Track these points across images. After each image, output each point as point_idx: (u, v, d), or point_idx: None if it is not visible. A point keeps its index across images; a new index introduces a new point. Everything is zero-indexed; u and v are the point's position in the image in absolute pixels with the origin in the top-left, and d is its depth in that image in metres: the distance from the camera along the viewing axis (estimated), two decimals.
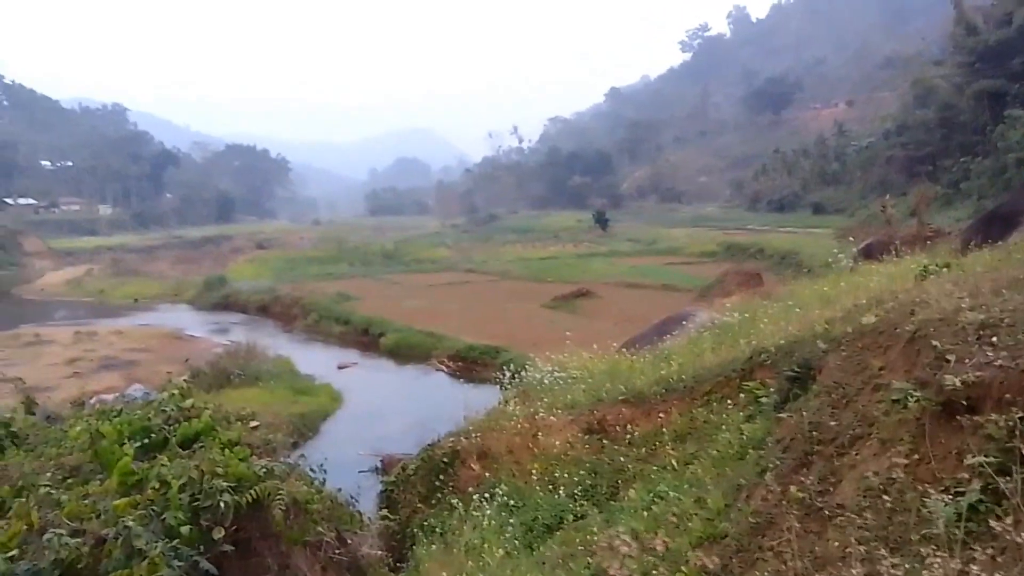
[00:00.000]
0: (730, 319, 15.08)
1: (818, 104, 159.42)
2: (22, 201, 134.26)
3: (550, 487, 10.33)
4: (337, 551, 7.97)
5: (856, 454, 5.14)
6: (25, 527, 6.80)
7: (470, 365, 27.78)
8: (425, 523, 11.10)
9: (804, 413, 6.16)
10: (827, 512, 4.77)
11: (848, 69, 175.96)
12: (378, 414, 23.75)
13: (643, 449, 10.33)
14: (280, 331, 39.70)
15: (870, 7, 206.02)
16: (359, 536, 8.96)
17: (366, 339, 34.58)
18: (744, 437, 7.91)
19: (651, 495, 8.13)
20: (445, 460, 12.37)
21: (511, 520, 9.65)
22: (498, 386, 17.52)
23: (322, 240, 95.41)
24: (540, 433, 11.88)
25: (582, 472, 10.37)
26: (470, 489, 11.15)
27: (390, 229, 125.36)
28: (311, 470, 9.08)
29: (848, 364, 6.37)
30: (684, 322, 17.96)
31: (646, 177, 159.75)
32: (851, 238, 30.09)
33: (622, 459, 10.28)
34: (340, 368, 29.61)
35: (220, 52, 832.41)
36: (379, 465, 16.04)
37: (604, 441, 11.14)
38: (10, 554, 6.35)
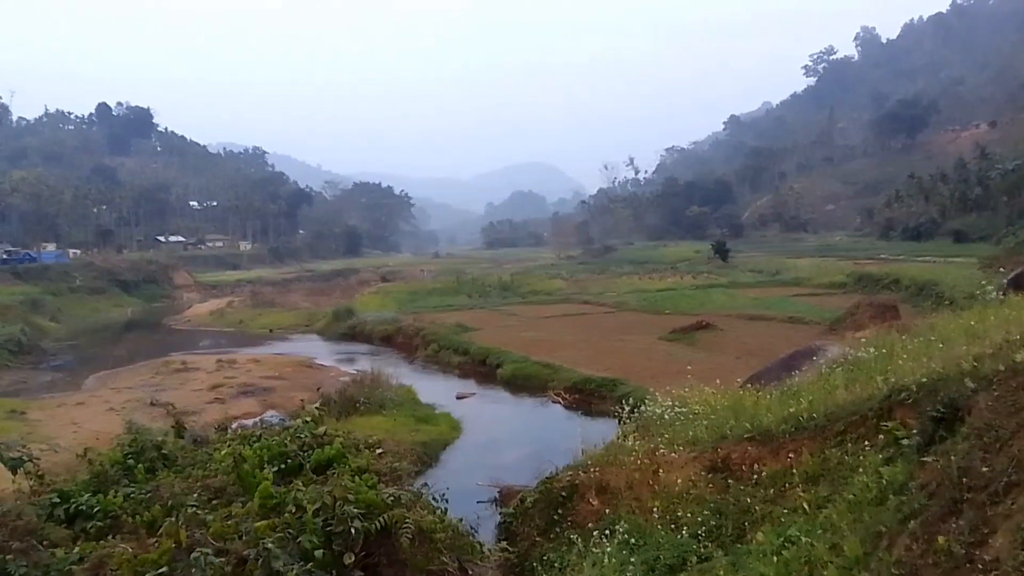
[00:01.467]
0: (864, 354, 14.28)
1: (956, 126, 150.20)
2: (173, 239, 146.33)
3: (672, 526, 10.07)
4: None
5: (1012, 503, 4.76)
6: (174, 545, 7.33)
7: (586, 397, 27.56)
8: (544, 557, 11.05)
9: (952, 457, 5.77)
10: (979, 565, 4.43)
11: (989, 89, 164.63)
12: (495, 444, 23.94)
13: (771, 490, 9.90)
14: (402, 360, 40.84)
15: (1010, 25, 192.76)
16: (479, 567, 9.07)
17: (484, 369, 35.04)
18: (883, 481, 7.46)
19: (781, 539, 7.79)
20: (564, 494, 12.31)
21: (632, 559, 9.47)
22: (616, 420, 17.29)
23: (442, 272, 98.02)
24: (661, 470, 11.63)
25: (706, 512, 10.06)
26: (589, 524, 11.04)
27: (506, 261, 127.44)
28: (433, 499, 9.31)
29: (1001, 405, 5.92)
30: (813, 357, 17.13)
31: (768, 206, 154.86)
32: (1000, 268, 27.85)
33: (748, 500, 9.90)
34: (459, 398, 30.11)
35: (348, 95, 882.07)
36: (497, 496, 16.12)
37: (729, 480, 10.77)
38: (160, 571, 6.84)
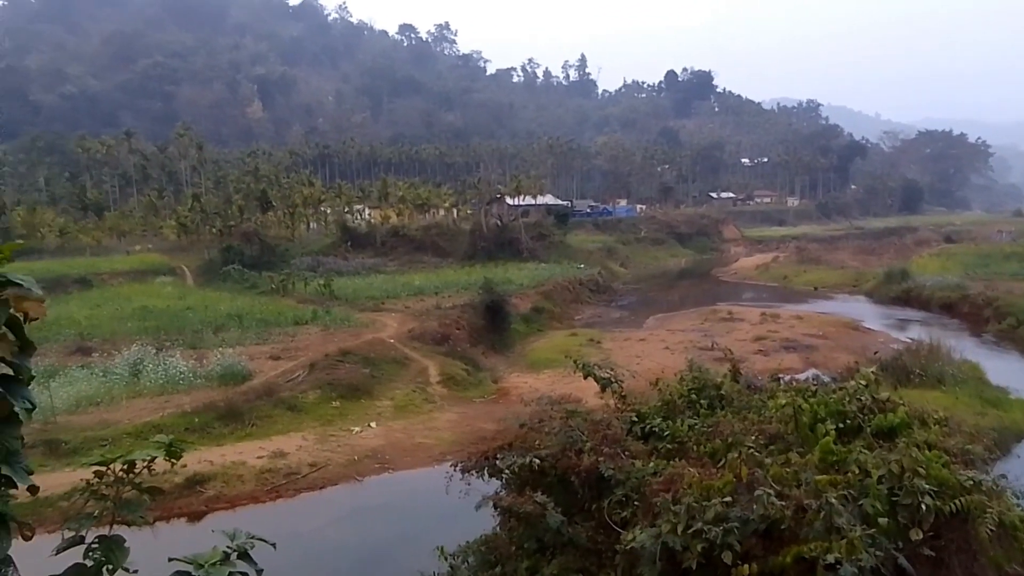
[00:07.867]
0: None
1: None
2: (724, 195, 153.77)
3: None
4: None
5: None
6: (734, 478, 7.92)
7: None
8: None
9: None
10: None
11: None
12: None
13: None
14: (965, 333, 35.97)
15: None
16: None
17: None
18: None
19: None
20: None
21: None
22: None
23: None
24: None
25: None
26: None
27: None
28: (1014, 494, 8.10)
29: None
30: None
31: None
32: None
33: None
34: None
35: (906, 32, 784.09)
36: None
37: None
38: (725, 499, 7.50)
